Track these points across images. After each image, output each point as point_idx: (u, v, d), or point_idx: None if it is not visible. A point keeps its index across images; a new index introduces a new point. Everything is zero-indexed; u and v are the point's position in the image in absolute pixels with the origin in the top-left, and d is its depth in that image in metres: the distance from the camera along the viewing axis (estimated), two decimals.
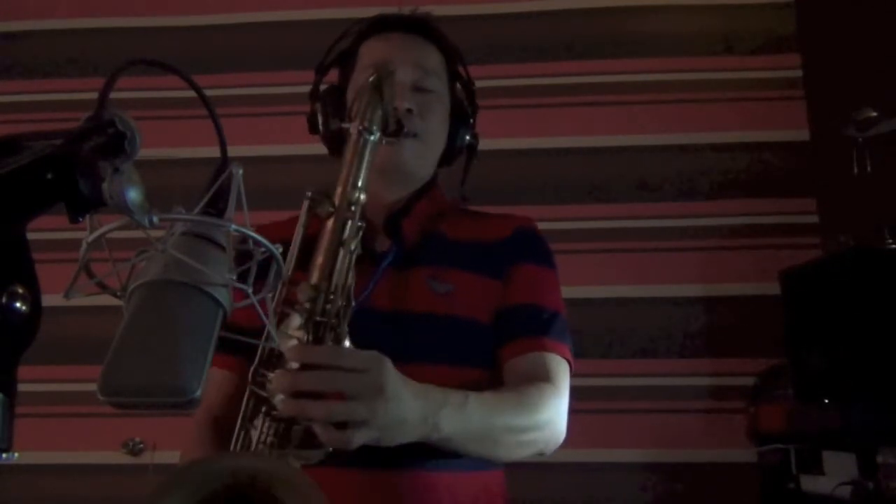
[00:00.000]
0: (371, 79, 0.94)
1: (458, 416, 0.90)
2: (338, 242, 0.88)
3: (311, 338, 0.84)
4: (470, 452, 0.95)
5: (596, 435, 2.19)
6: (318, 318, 0.85)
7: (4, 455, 0.46)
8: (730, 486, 2.14)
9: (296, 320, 0.84)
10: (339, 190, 0.90)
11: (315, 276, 0.86)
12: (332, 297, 0.86)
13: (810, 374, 1.78)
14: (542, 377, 1.03)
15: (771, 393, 1.99)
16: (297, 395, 0.80)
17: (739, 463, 2.14)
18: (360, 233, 0.91)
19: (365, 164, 0.92)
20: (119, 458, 2.27)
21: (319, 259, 0.88)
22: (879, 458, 1.57)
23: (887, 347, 1.60)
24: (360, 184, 0.91)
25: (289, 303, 0.87)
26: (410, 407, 0.85)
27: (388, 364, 0.84)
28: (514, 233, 1.14)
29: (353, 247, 0.89)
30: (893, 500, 1.53)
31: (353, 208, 0.90)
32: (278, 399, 0.81)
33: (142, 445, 2.26)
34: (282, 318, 0.86)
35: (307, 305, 0.84)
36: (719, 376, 2.25)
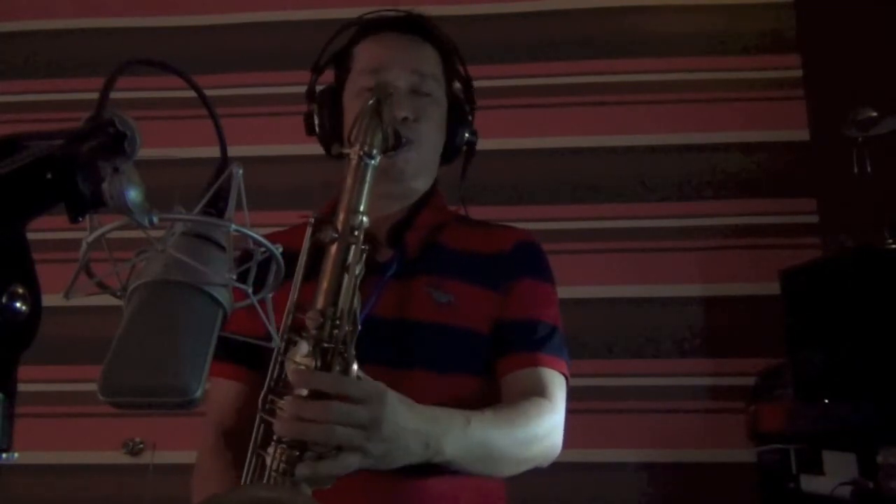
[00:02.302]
0: (370, 102, 0.93)
1: (461, 439, 0.92)
2: (342, 268, 0.88)
3: (319, 363, 0.84)
4: (471, 471, 0.97)
5: (596, 435, 2.19)
6: (325, 345, 0.84)
7: (4, 455, 0.46)
8: (730, 486, 2.14)
9: (303, 347, 0.84)
10: (341, 216, 0.89)
11: (320, 302, 0.86)
12: (338, 322, 0.85)
13: (810, 374, 1.78)
14: (539, 393, 1.04)
15: (771, 393, 1.99)
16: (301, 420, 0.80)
17: (739, 463, 2.14)
18: (364, 256, 0.90)
19: (366, 189, 0.91)
20: (119, 458, 2.27)
21: (324, 284, 0.87)
22: (879, 458, 1.56)
23: (887, 347, 1.60)
24: (361, 208, 0.90)
25: (296, 330, 0.87)
26: (410, 434, 0.86)
27: (389, 397, 0.85)
28: (515, 247, 1.14)
29: (357, 271, 0.89)
30: (893, 500, 1.52)
31: (356, 233, 0.89)
32: (283, 420, 0.81)
33: (142, 445, 2.26)
34: (289, 345, 0.86)
35: (314, 332, 0.84)
36: (719, 376, 2.24)
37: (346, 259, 0.88)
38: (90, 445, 2.30)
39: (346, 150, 0.93)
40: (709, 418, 2.22)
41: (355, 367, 0.85)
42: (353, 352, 0.86)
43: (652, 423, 2.23)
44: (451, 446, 0.90)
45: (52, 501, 2.29)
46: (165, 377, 0.49)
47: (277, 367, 0.88)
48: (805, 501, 1.78)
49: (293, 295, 0.89)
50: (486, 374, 1.07)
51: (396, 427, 0.84)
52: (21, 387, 0.47)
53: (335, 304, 0.86)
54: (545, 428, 1.02)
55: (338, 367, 0.84)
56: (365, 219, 0.90)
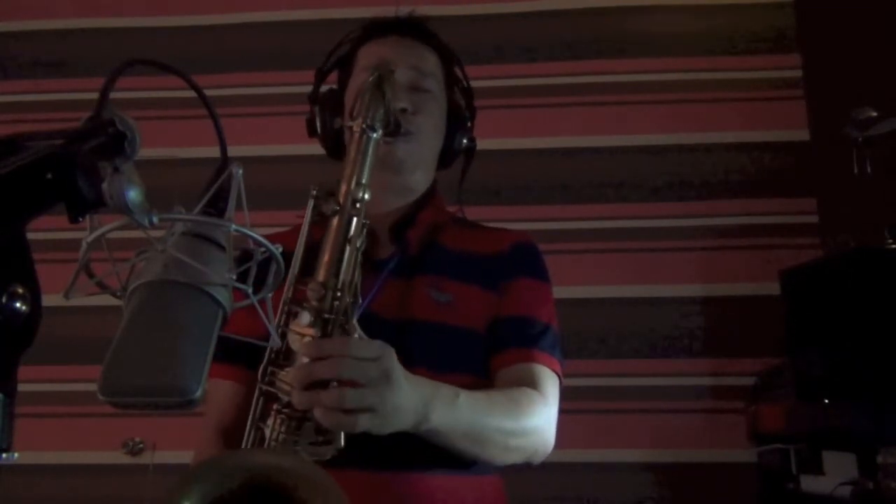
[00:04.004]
0: (372, 77, 0.95)
1: (448, 409, 0.92)
2: (344, 240, 0.89)
3: (320, 334, 0.85)
4: (458, 449, 0.96)
5: (596, 435, 2.19)
6: (326, 315, 0.85)
7: (4, 455, 0.46)
8: (730, 486, 2.14)
9: (305, 318, 0.85)
10: (343, 188, 0.90)
11: (322, 274, 0.87)
12: (339, 294, 0.86)
13: (810, 374, 1.78)
14: (531, 387, 1.04)
15: (771, 393, 1.99)
16: (310, 386, 0.81)
17: (739, 463, 2.14)
18: (365, 230, 0.91)
19: (368, 162, 0.92)
20: (119, 458, 2.27)
21: (326, 257, 0.88)
22: (879, 458, 1.57)
23: (887, 347, 1.60)
24: (364, 181, 0.91)
25: (297, 301, 0.87)
26: (408, 395, 0.86)
27: (394, 353, 0.85)
28: (513, 247, 1.15)
29: (359, 244, 0.90)
30: (893, 501, 1.53)
31: (357, 206, 0.90)
32: (293, 393, 0.81)
33: (142, 445, 2.26)
34: (291, 316, 0.87)
35: (315, 303, 0.85)
36: (719, 376, 2.24)
37: (348, 232, 0.89)
38: (90, 445, 2.30)
39: (349, 123, 0.94)
40: (709, 418, 2.22)
41: (356, 337, 0.86)
42: (355, 322, 0.86)
43: (652, 423, 2.23)
44: (438, 415, 0.90)
45: (52, 501, 2.29)
46: (165, 377, 0.49)
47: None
48: (805, 501, 1.78)
49: (294, 269, 0.90)
50: (484, 374, 1.08)
51: (401, 383, 0.85)
52: (21, 387, 0.47)
53: (336, 275, 0.87)
54: (536, 420, 1.01)
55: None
56: (367, 193, 0.91)
